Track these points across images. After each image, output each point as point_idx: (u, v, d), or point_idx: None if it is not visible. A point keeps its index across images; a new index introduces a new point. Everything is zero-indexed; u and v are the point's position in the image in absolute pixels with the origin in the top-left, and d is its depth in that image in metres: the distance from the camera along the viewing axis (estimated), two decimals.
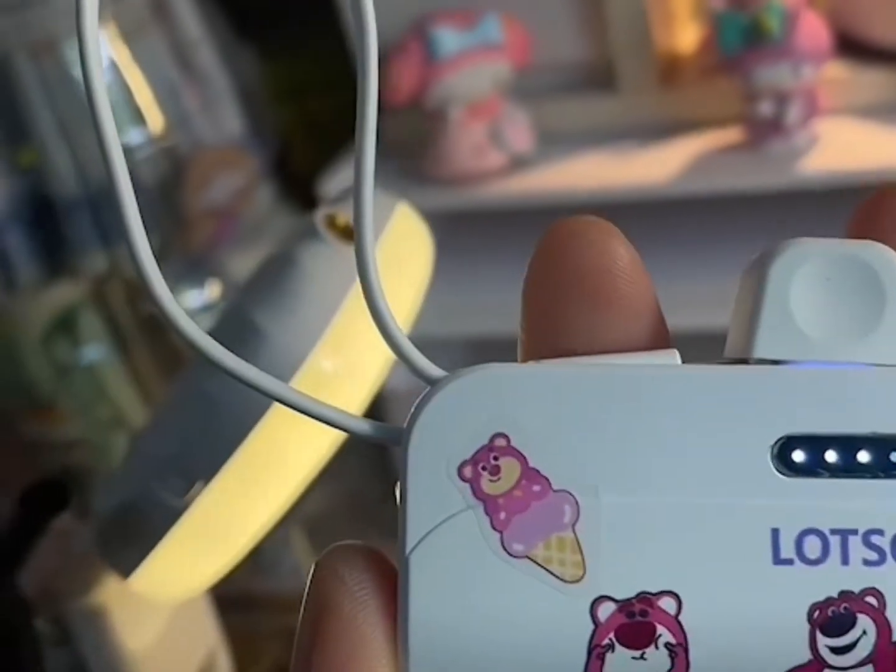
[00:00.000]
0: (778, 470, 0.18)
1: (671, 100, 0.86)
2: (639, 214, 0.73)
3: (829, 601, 0.18)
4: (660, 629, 0.17)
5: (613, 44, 0.86)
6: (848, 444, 0.18)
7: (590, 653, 0.17)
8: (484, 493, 0.18)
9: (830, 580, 0.18)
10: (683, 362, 0.18)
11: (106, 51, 0.74)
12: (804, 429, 0.18)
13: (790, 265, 0.18)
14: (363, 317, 0.20)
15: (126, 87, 0.76)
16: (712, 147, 0.83)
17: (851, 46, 0.82)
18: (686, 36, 0.90)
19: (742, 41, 0.77)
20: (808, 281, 0.18)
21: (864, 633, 0.18)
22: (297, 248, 0.46)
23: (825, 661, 0.18)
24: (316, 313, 0.44)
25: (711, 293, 0.72)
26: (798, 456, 0.18)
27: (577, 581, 0.17)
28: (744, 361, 0.18)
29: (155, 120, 0.77)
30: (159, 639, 0.57)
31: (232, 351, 0.19)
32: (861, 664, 0.18)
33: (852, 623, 0.18)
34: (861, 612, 0.18)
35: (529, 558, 0.17)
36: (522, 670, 0.18)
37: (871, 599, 0.18)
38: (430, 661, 0.18)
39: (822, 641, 0.18)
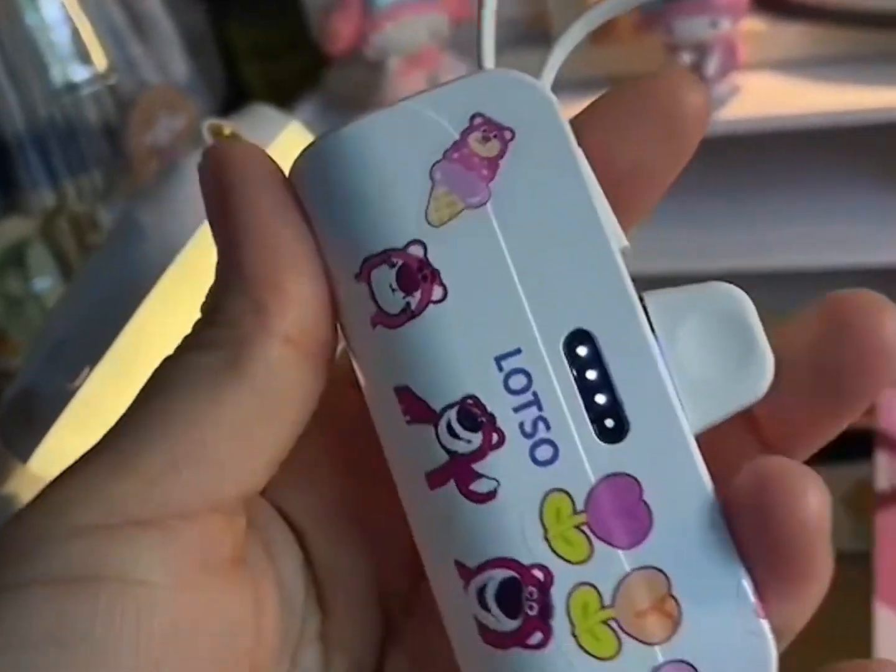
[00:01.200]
0: (564, 341, 0.21)
1: (603, 55, 0.89)
2: None
3: (481, 406, 0.20)
4: (418, 294, 0.21)
5: (549, 1, 0.90)
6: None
7: (382, 252, 0.21)
8: (467, 140, 0.21)
9: (501, 403, 0.20)
10: None
11: None
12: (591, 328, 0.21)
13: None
14: None
15: (73, 29, 0.80)
16: None
17: (770, 2, 0.85)
18: None
19: None
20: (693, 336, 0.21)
21: (470, 442, 0.20)
22: (185, 155, 0.50)
23: (437, 424, 0.21)
24: (191, 211, 0.48)
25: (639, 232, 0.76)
26: (581, 349, 0.21)
27: (430, 225, 0.21)
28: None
29: (100, 60, 0.81)
30: None
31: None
32: (448, 451, 0.20)
33: (475, 430, 0.20)
34: (484, 433, 0.20)
35: (433, 184, 0.21)
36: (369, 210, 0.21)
37: (495, 437, 0.20)
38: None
39: (451, 415, 0.20)
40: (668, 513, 0.20)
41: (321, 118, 0.98)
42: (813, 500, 0.19)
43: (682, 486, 0.20)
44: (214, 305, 0.22)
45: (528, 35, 0.94)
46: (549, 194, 0.21)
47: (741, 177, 0.95)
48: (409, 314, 0.21)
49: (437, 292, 0.21)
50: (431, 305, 0.21)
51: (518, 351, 0.20)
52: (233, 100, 1.00)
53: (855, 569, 0.60)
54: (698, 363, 0.21)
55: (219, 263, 0.22)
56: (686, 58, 0.82)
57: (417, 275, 0.21)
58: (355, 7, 0.87)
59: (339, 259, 0.21)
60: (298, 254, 0.21)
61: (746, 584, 0.20)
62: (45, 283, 0.86)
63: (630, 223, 0.23)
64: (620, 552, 0.20)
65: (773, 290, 0.84)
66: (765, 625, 0.20)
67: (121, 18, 0.81)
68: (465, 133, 0.21)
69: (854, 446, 0.75)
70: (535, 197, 0.21)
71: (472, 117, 0.21)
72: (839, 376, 0.20)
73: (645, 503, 0.20)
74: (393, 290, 0.21)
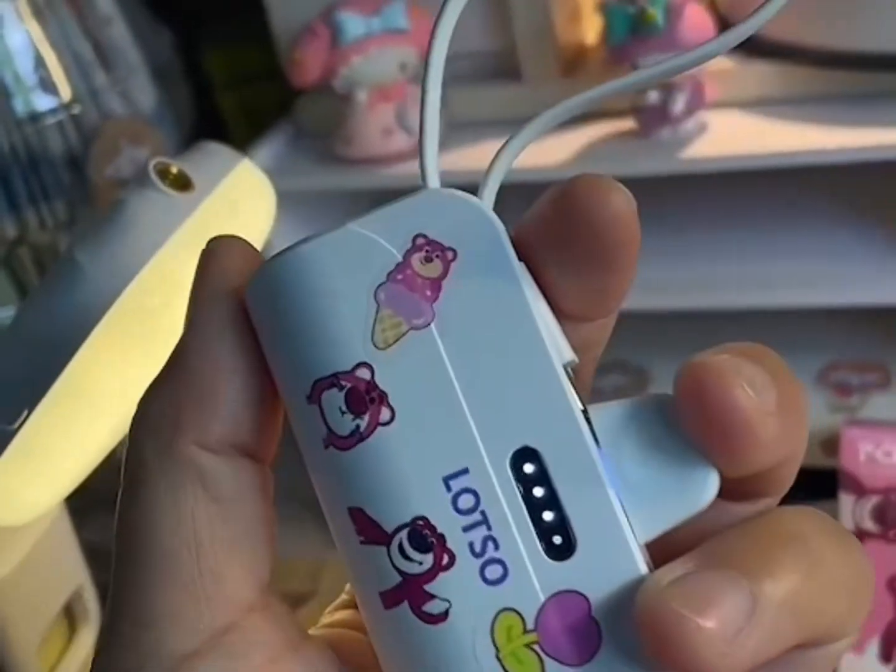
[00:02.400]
0: (511, 459, 0.21)
1: (572, 89, 0.89)
2: (537, 197, 0.76)
3: (431, 527, 0.21)
4: (367, 417, 0.21)
5: (518, 34, 0.90)
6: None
7: (331, 375, 0.21)
8: (410, 261, 0.22)
9: (450, 524, 0.21)
10: None
11: (15, 24, 0.78)
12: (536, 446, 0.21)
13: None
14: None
15: (37, 58, 0.79)
16: (606, 135, 0.87)
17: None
18: (590, 28, 0.93)
19: (629, 32, 0.81)
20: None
21: (422, 563, 0.21)
22: (129, 193, 0.50)
23: (390, 545, 0.21)
24: (132, 252, 0.47)
25: None
26: (528, 467, 0.21)
27: (376, 347, 0.21)
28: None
29: (64, 90, 0.81)
30: (21, 570, 0.60)
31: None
32: (400, 572, 0.21)
33: (426, 551, 0.21)
34: (435, 554, 0.21)
35: (378, 306, 0.21)
36: (312, 340, 0.22)
37: (446, 557, 0.21)
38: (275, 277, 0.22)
39: (402, 536, 0.21)
40: (616, 629, 0.20)
41: (292, 148, 0.98)
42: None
43: (629, 603, 0.20)
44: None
45: (498, 70, 0.93)
46: (492, 313, 0.21)
47: (708, 215, 0.95)
48: (358, 437, 0.21)
49: (384, 414, 0.21)
50: (380, 428, 0.21)
51: (465, 471, 0.21)
52: (206, 129, 0.99)
53: None
54: (643, 476, 0.21)
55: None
56: (653, 95, 0.82)
57: (365, 397, 0.21)
58: (323, 39, 0.87)
59: (291, 380, 0.22)
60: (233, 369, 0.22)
61: None
62: (6, 312, 0.85)
63: (591, 332, 0.23)
64: (570, 670, 0.20)
65: (739, 328, 0.84)
66: None
67: (86, 47, 0.81)
68: (408, 254, 0.22)
69: (818, 486, 0.75)
70: (479, 316, 0.21)
71: (415, 238, 0.22)
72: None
73: (594, 619, 0.20)
74: (342, 412, 0.21)
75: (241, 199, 0.53)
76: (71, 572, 0.64)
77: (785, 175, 0.84)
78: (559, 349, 0.22)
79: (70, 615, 0.65)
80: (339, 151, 0.91)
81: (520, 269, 0.22)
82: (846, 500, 0.82)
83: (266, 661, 0.22)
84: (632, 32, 0.81)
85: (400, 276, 0.22)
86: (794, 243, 0.90)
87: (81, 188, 0.83)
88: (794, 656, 0.21)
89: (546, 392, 0.21)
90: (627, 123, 0.86)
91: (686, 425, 0.21)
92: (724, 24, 0.83)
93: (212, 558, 0.22)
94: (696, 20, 0.80)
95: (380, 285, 0.22)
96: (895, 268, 0.85)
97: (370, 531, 0.21)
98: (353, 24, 0.85)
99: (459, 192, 0.22)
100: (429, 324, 0.21)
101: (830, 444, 0.85)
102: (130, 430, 0.23)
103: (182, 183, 0.50)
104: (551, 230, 0.22)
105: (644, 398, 0.22)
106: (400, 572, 0.21)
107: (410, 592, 0.21)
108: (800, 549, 0.21)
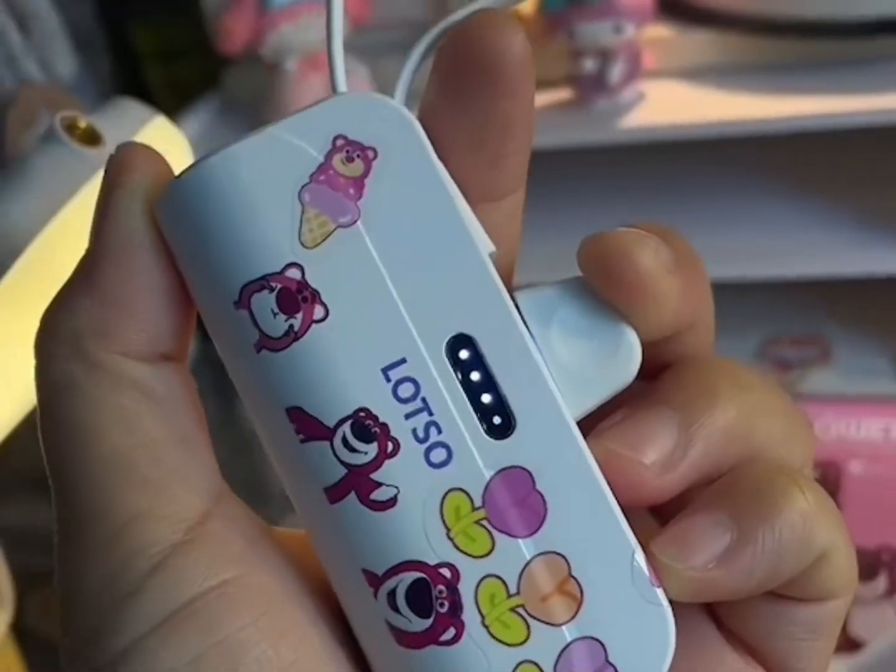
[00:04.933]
0: (446, 346, 0.22)
1: None
2: None
3: (373, 417, 0.21)
4: (300, 315, 0.21)
5: (450, 4, 0.88)
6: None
7: (260, 278, 0.21)
8: (331, 162, 0.22)
9: (392, 412, 0.21)
10: None
11: None
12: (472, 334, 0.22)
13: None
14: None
15: None
16: (543, 104, 0.85)
17: (676, 8, 0.84)
18: None
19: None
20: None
21: (367, 453, 0.21)
22: (34, 149, 0.47)
23: (333, 439, 0.21)
24: (39, 209, 0.44)
25: (546, 243, 0.74)
26: (463, 353, 0.22)
27: (305, 247, 0.21)
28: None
29: None
30: None
31: None
32: (345, 465, 0.21)
33: (370, 441, 0.21)
34: (379, 443, 0.21)
35: (303, 207, 0.22)
36: (231, 245, 0.22)
37: (390, 445, 0.21)
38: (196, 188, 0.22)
39: (345, 429, 0.21)
40: (560, 498, 0.21)
41: (220, 120, 0.95)
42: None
43: (570, 472, 0.21)
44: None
45: None
46: (417, 208, 0.22)
47: (646, 184, 0.93)
48: (292, 336, 0.21)
49: (318, 312, 0.21)
50: (314, 325, 0.21)
51: (403, 360, 0.21)
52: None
53: None
54: (572, 354, 0.22)
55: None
56: (589, 64, 0.80)
57: (297, 297, 0.21)
58: (250, 5, 0.84)
59: (214, 288, 0.22)
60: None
61: (639, 558, 0.21)
62: None
63: (507, 183, 0.23)
64: (520, 541, 0.21)
65: None
66: (660, 593, 0.21)
67: (1, 11, 0.78)
68: (329, 155, 0.22)
69: None
70: (404, 212, 0.22)
71: (335, 139, 0.22)
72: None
73: (538, 492, 0.21)
74: (275, 313, 0.21)
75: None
76: None
77: (722, 145, 0.82)
78: (483, 240, 0.22)
79: None
80: (269, 122, 0.88)
81: (439, 164, 0.22)
82: None
83: (246, 544, 0.22)
84: (569, 0, 0.79)
85: (322, 177, 0.22)
86: (731, 215, 0.89)
87: None
88: (783, 611, 0.22)
89: (474, 281, 0.22)
90: (564, 93, 0.84)
91: (598, 292, 0.22)
92: None
93: (173, 455, 0.22)
94: None
95: (303, 186, 0.22)
96: (832, 239, 0.84)
97: (311, 428, 0.21)
98: None
99: (375, 94, 0.23)
100: (355, 221, 0.22)
101: None
102: (39, 344, 0.23)
103: (91, 137, 0.47)
104: (446, 89, 0.22)
105: (566, 280, 0.23)
106: (345, 465, 0.21)
107: (357, 483, 0.21)
108: (729, 378, 0.22)
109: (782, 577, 0.21)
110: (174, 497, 0.21)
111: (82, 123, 0.48)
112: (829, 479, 0.81)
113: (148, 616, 0.21)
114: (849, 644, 0.82)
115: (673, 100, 0.82)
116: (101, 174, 0.23)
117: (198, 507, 0.22)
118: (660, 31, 0.83)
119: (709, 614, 0.23)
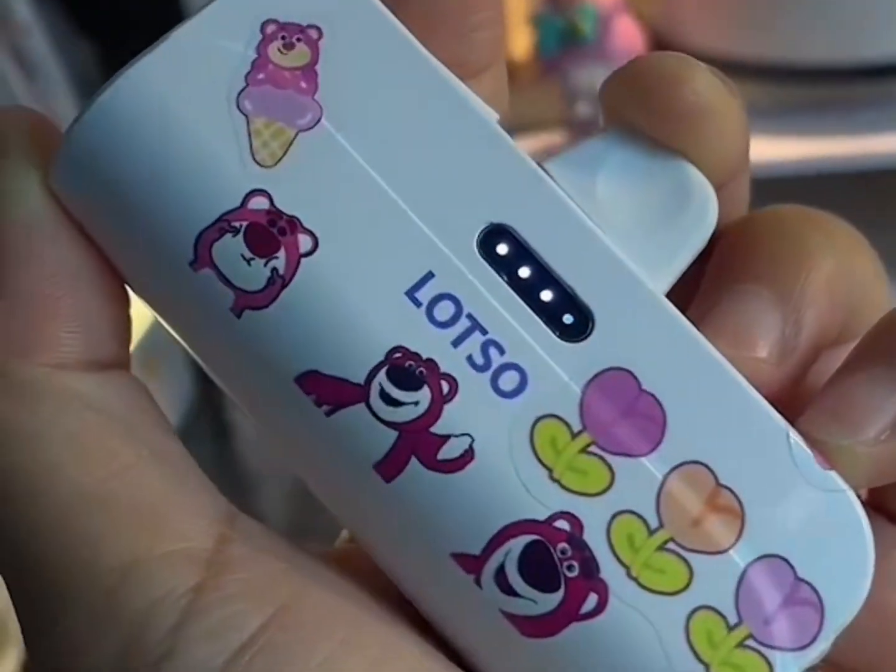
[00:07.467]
0: (479, 245, 0.17)
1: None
2: None
3: (413, 356, 0.17)
4: (282, 253, 0.17)
5: None
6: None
7: (217, 221, 0.17)
8: (266, 54, 0.17)
9: (435, 343, 0.17)
10: None
11: None
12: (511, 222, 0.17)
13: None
14: None
15: None
16: (537, 149, 0.85)
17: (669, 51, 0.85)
18: (520, 41, 0.92)
19: (559, 44, 0.80)
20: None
21: (417, 403, 0.16)
22: None
23: (369, 398, 0.16)
24: None
25: None
26: (501, 248, 0.17)
27: (263, 166, 0.17)
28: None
29: None
30: None
31: None
32: (394, 426, 0.16)
33: (417, 387, 0.16)
34: (429, 385, 0.16)
35: (246, 117, 0.17)
36: (165, 181, 0.17)
37: (445, 385, 0.16)
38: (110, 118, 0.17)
39: (381, 380, 0.16)
40: (677, 394, 0.17)
41: None
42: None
43: (679, 359, 0.17)
44: None
45: None
46: (390, 85, 0.17)
47: None
48: (279, 282, 0.17)
49: (304, 242, 0.17)
50: (303, 260, 0.17)
51: (430, 275, 0.17)
52: None
53: None
54: (633, 218, 0.18)
55: None
56: (583, 108, 0.81)
57: (272, 230, 0.17)
58: None
59: (156, 256, 0.17)
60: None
61: (796, 437, 0.17)
62: None
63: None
64: (644, 459, 0.17)
65: None
66: (834, 475, 0.17)
67: (4, 57, 0.79)
68: (261, 46, 0.17)
69: None
70: (375, 93, 0.17)
71: (263, 26, 0.17)
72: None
73: (648, 393, 0.17)
74: (248, 260, 0.17)
75: None
76: None
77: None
78: (483, 108, 0.18)
79: None
80: None
81: (402, 26, 0.18)
82: None
83: (285, 562, 0.17)
84: (562, 44, 0.80)
85: (261, 75, 0.17)
86: None
87: None
88: None
89: (490, 156, 0.17)
90: (558, 136, 0.85)
91: (645, 131, 0.18)
92: (654, 36, 0.82)
93: (154, 479, 0.17)
94: (626, 31, 0.79)
95: (240, 92, 0.17)
96: None
97: (335, 393, 0.16)
98: None
99: None
100: (318, 119, 0.17)
101: None
102: None
103: None
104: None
105: (595, 136, 0.19)
106: (392, 426, 0.16)
107: (415, 444, 0.16)
108: (807, 224, 0.19)
109: None
110: (175, 527, 0.17)
111: None
112: None
113: None
114: None
115: None
116: None
117: (209, 531, 0.17)
118: None
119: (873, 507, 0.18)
